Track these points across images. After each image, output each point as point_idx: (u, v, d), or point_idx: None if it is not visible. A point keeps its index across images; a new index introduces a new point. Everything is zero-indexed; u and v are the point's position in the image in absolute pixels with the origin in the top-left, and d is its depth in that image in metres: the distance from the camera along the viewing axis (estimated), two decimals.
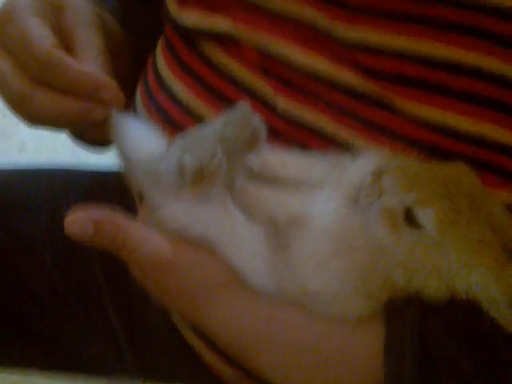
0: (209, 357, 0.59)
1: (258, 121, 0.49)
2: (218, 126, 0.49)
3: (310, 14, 0.51)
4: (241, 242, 0.48)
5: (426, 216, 0.41)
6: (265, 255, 0.47)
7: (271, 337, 0.47)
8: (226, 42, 0.55)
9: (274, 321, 0.47)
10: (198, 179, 0.46)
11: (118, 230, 0.47)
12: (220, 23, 0.55)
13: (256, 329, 0.48)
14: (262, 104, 0.53)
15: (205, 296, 0.49)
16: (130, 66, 0.67)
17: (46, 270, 0.71)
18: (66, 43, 0.56)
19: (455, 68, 0.47)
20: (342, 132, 0.51)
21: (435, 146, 0.48)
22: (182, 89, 0.57)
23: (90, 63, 0.55)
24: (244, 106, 0.48)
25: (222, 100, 0.55)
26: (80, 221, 0.46)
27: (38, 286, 0.71)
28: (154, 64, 0.62)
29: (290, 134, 0.53)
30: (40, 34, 0.53)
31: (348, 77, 0.50)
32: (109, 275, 0.71)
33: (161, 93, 0.59)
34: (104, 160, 0.73)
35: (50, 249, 0.72)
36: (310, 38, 0.51)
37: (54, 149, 1.71)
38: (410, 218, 0.42)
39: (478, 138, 0.47)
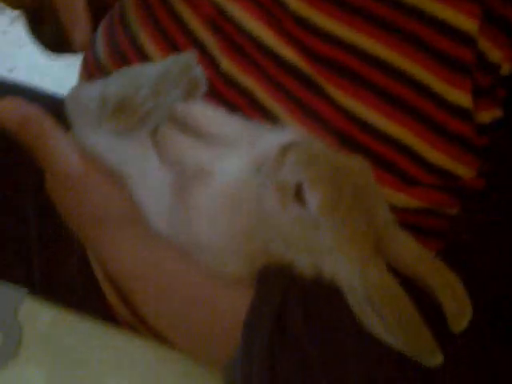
0: (111, 296, 0.61)
1: (199, 72, 0.51)
2: (159, 66, 0.50)
3: None
4: (150, 183, 0.50)
5: (312, 196, 0.43)
6: (167, 199, 0.49)
7: (154, 277, 0.50)
8: None
9: (162, 262, 0.50)
10: (119, 111, 0.48)
11: (43, 132, 0.49)
12: None
13: (143, 267, 0.50)
14: (207, 60, 0.55)
15: (105, 222, 0.51)
16: None
17: None
18: None
19: (386, 68, 0.49)
20: (274, 105, 0.53)
21: (351, 137, 0.50)
22: (140, 29, 0.59)
23: None
24: (190, 54, 0.50)
25: (172, 47, 0.56)
26: (9, 108, 0.48)
27: None
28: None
29: (228, 96, 0.54)
30: None
31: (289, 53, 0.52)
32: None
33: (121, 30, 0.61)
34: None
35: None
36: (264, 6, 0.53)
37: None
38: (299, 194, 0.44)
39: (389, 137, 0.49)
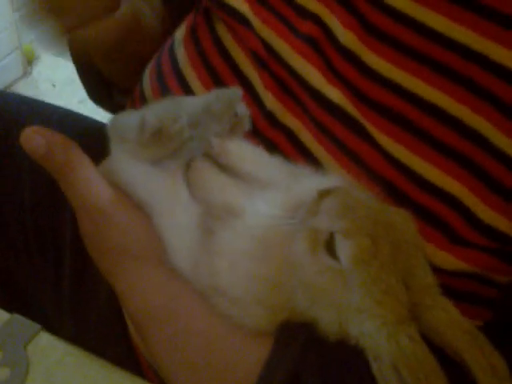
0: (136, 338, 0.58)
1: (243, 109, 0.49)
2: (202, 98, 0.48)
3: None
4: (177, 218, 0.47)
5: (344, 247, 0.39)
6: (192, 236, 0.46)
7: (168, 319, 0.46)
8: (239, 25, 0.55)
9: (177, 305, 0.46)
10: (156, 139, 0.46)
11: (67, 161, 0.47)
12: (240, 5, 0.55)
13: (157, 308, 0.47)
14: (252, 97, 0.53)
15: (124, 257, 0.48)
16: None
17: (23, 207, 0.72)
18: None
19: (441, 116, 0.45)
20: (318, 148, 0.50)
21: (398, 187, 0.46)
22: (186, 63, 0.57)
23: None
24: (235, 90, 0.48)
25: (217, 82, 0.55)
26: (34, 136, 0.47)
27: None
28: (171, 47, 0.63)
29: (271, 135, 0.52)
30: None
31: (335, 94, 0.49)
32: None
33: (167, 64, 0.60)
34: None
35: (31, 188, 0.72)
36: (312, 42, 0.50)
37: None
38: (331, 244, 0.40)
39: (441, 191, 0.45)
